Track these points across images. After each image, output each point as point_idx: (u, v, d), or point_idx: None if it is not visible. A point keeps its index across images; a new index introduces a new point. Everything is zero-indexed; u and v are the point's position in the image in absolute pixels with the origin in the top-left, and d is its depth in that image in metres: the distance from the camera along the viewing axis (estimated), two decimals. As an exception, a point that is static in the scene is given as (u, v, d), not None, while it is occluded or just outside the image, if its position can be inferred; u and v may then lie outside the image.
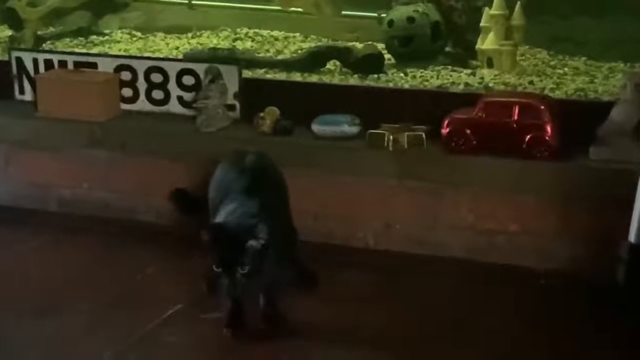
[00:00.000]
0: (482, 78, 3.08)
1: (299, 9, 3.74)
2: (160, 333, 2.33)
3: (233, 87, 3.05)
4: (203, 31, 3.81)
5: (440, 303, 2.47)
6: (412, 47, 3.19)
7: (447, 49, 3.32)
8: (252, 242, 2.02)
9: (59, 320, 2.38)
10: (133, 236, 2.89)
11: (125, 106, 3.18)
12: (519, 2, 3.15)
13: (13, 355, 2.19)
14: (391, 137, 2.76)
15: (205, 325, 2.35)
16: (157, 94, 3.12)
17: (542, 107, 2.66)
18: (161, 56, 3.46)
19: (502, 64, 3.12)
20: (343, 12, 3.64)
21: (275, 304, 2.30)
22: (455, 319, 2.37)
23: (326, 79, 3.21)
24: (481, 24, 3.11)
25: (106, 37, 3.83)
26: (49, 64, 3.29)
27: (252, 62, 3.34)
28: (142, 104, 3.14)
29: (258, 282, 2.16)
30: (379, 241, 2.77)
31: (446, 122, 2.70)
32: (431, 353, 2.16)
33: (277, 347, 2.23)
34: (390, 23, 3.21)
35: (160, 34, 3.80)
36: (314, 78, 3.23)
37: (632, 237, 2.27)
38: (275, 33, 3.77)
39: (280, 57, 3.48)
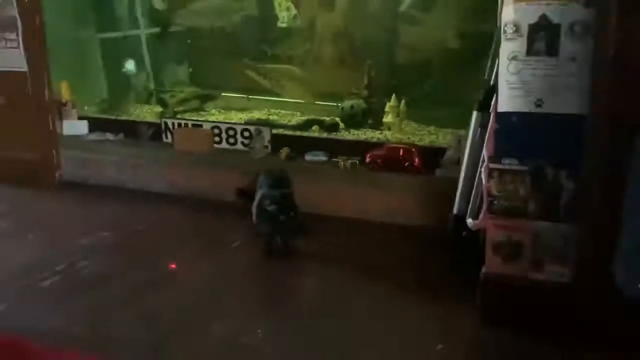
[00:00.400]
0: (385, 136, 3.65)
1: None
2: (232, 253, 2.88)
3: (267, 137, 3.64)
4: (254, 110, 4.28)
5: (363, 243, 2.98)
6: (353, 120, 3.77)
7: (369, 121, 3.78)
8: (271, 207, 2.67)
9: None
10: (219, 208, 3.33)
11: (216, 145, 3.78)
12: (402, 100, 3.65)
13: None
14: (342, 163, 3.38)
15: (254, 251, 2.84)
16: (231, 140, 3.75)
17: (413, 150, 3.30)
18: (233, 121, 3.94)
19: (394, 129, 3.66)
20: (320, 102, 4.14)
21: (287, 241, 2.79)
22: (370, 252, 2.91)
23: (312, 134, 3.77)
24: (385, 109, 3.71)
25: (207, 112, 4.30)
26: (179, 125, 3.87)
27: (276, 125, 3.84)
28: (224, 145, 3.78)
29: (277, 230, 2.75)
30: (337, 212, 3.23)
31: (368, 155, 3.34)
32: (361, 268, 2.70)
33: (288, 263, 2.77)
34: (342, 108, 3.80)
35: (233, 111, 4.30)
36: (305, 134, 3.79)
37: (455, 210, 2.65)
38: (287, 112, 4.24)
39: (289, 123, 3.99)
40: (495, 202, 2.14)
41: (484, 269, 2.21)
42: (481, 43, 3.14)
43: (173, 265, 2.72)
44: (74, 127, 4.08)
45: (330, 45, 4.12)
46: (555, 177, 2.05)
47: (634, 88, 1.78)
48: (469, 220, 2.40)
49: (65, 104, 4.07)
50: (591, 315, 1.99)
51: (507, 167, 2.09)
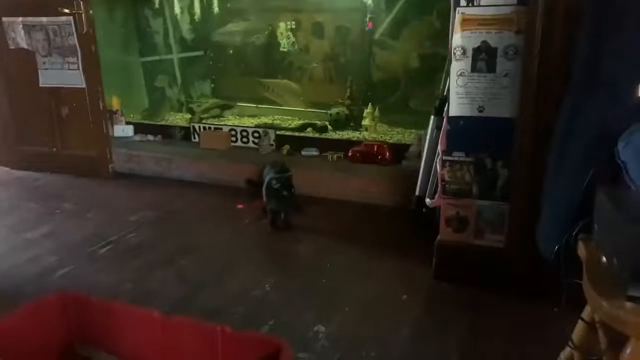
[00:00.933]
0: (363, 135, 3.60)
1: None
2: (245, 227, 2.89)
3: (272, 137, 3.63)
4: (261, 116, 4.22)
5: (346, 218, 2.98)
6: (338, 124, 3.75)
7: (351, 124, 3.75)
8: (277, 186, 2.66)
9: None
10: (235, 192, 3.29)
11: (233, 144, 3.75)
12: (376, 108, 3.64)
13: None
14: (330, 157, 3.37)
15: (261, 225, 2.85)
16: (244, 140, 3.74)
17: (385, 146, 3.26)
18: (246, 125, 3.91)
19: (370, 130, 3.61)
20: (312, 109, 4.09)
21: (287, 216, 2.79)
22: (352, 224, 2.92)
23: (307, 134, 3.74)
24: (363, 115, 3.62)
25: (225, 118, 4.25)
26: (204, 128, 3.85)
27: (279, 128, 3.82)
28: (238, 143, 3.76)
29: (280, 207, 2.74)
30: (325, 195, 3.22)
31: (350, 150, 3.33)
32: (345, 237, 2.71)
33: (288, 233, 2.77)
34: (330, 114, 3.76)
35: (245, 117, 4.25)
36: (302, 134, 3.73)
37: (417, 192, 2.65)
38: (287, 117, 4.16)
39: (290, 126, 3.92)
40: (447, 185, 2.15)
41: (438, 237, 2.22)
42: (436, 63, 3.24)
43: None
44: (123, 130, 4.08)
45: (321, 65, 4.10)
46: (493, 166, 2.08)
47: (551, 98, 1.77)
48: (427, 200, 2.41)
49: (115, 113, 4.08)
50: (520, 272, 2.02)
51: (456, 158, 2.11)
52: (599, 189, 1.13)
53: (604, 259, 1.08)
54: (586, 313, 1.24)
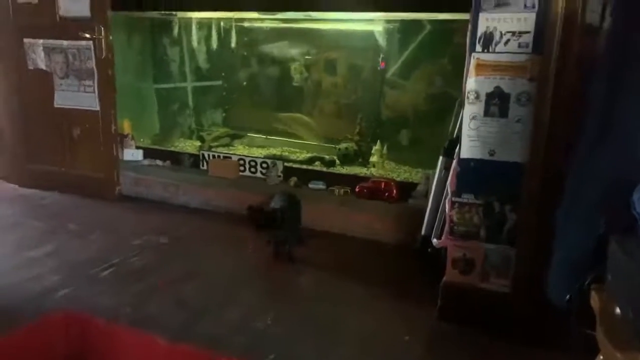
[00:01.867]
0: (371, 172, 3.59)
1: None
2: (249, 255, 2.87)
3: (280, 168, 3.63)
4: (270, 147, 4.19)
5: (349, 253, 2.95)
6: (346, 159, 3.74)
7: (359, 160, 3.70)
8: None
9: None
10: (241, 221, 3.06)
11: (241, 173, 3.75)
12: (385, 145, 3.62)
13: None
14: (337, 191, 3.36)
15: (265, 254, 2.81)
16: (252, 170, 3.72)
17: (392, 183, 3.25)
18: (254, 155, 3.89)
19: (378, 167, 3.60)
20: (321, 144, 4.06)
21: (291, 247, 2.78)
22: (355, 260, 2.88)
23: (315, 167, 3.71)
24: (372, 152, 3.63)
25: (235, 147, 4.23)
26: (213, 156, 3.86)
27: (287, 160, 3.80)
28: (247, 173, 3.75)
29: (283, 239, 2.74)
30: (330, 229, 3.18)
31: (358, 186, 3.30)
32: (347, 272, 2.68)
33: (290, 265, 2.73)
34: (339, 149, 3.76)
35: (254, 148, 4.23)
36: (310, 167, 3.72)
37: (423, 231, 2.64)
38: (296, 150, 4.11)
39: (298, 158, 3.89)
40: (455, 227, 2.15)
41: (444, 278, 2.20)
42: (446, 104, 3.24)
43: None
44: (132, 154, 4.10)
45: (332, 100, 4.12)
46: (501, 209, 2.08)
47: (561, 145, 1.80)
48: (434, 240, 2.39)
49: (126, 136, 4.11)
50: (525, 317, 2.01)
51: (465, 200, 2.11)
52: (612, 238, 1.13)
53: (618, 309, 1.06)
54: (598, 364, 1.20)
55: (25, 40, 3.79)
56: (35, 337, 1.37)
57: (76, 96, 3.75)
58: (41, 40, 3.74)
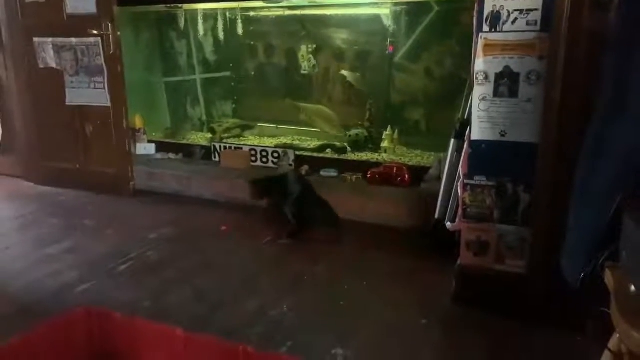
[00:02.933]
0: (382, 157, 3.61)
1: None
2: (263, 246, 2.85)
3: (291, 157, 3.66)
4: (281, 137, 4.21)
5: (363, 240, 2.94)
6: (357, 145, 3.76)
7: (370, 146, 3.78)
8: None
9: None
10: (254, 211, 3.24)
11: (253, 163, 3.77)
12: (396, 130, 3.65)
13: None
14: (348, 178, 3.39)
15: (281, 244, 2.84)
16: (264, 160, 3.76)
17: (404, 168, 3.27)
18: (265, 145, 3.91)
19: (389, 152, 3.63)
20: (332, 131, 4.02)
21: (291, 223, 2.85)
22: (369, 246, 2.88)
23: (326, 155, 3.75)
24: (382, 137, 3.66)
25: (246, 138, 4.26)
26: (224, 147, 3.90)
27: (298, 148, 3.81)
28: (258, 163, 3.79)
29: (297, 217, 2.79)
30: (343, 215, 3.06)
31: (369, 172, 3.32)
32: (362, 258, 2.71)
33: (305, 253, 2.78)
34: (349, 136, 3.78)
35: (265, 137, 4.26)
36: (321, 155, 3.75)
37: (436, 215, 2.64)
38: (307, 138, 4.15)
39: (309, 147, 3.92)
40: (468, 209, 2.13)
41: (458, 261, 2.19)
42: (456, 86, 3.23)
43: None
44: (145, 148, 4.14)
45: (341, 87, 4.12)
46: (514, 190, 2.06)
47: (573, 123, 1.77)
48: (448, 224, 2.40)
49: (138, 131, 4.14)
50: (541, 298, 1.98)
51: (477, 182, 2.09)
52: (626, 215, 1.11)
53: (633, 287, 1.05)
54: (613, 343, 1.20)
55: (35, 39, 3.82)
56: (57, 333, 1.40)
57: (87, 93, 3.78)
58: (50, 39, 3.78)
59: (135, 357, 1.41)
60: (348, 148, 3.77)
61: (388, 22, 3.77)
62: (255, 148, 3.80)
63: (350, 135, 3.78)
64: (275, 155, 3.70)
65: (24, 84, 3.91)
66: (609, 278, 1.16)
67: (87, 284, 2.36)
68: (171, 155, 4.03)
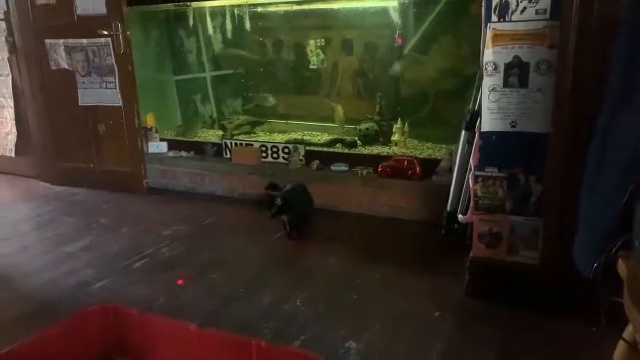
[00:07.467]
0: (393, 150, 3.55)
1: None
2: (275, 241, 2.88)
3: (302, 153, 3.63)
4: (292, 132, 4.18)
5: (375, 233, 2.99)
6: (367, 139, 3.68)
7: (381, 140, 3.70)
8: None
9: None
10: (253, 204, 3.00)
11: (264, 160, 3.74)
12: (406, 123, 3.56)
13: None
14: (359, 172, 3.33)
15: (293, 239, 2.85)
16: (275, 155, 3.73)
17: (415, 161, 3.20)
18: (276, 141, 3.88)
19: (400, 145, 3.55)
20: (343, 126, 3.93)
21: (291, 230, 2.85)
22: (381, 239, 2.90)
23: (337, 150, 3.68)
24: (394, 130, 3.61)
25: (256, 135, 4.21)
26: (236, 144, 3.85)
27: (309, 144, 3.78)
28: (269, 159, 3.75)
29: (293, 220, 2.80)
30: (355, 209, 3.26)
31: (380, 166, 3.27)
32: (375, 252, 2.71)
33: (317, 247, 2.81)
34: (360, 130, 3.71)
35: (275, 134, 4.22)
36: (331, 150, 3.68)
37: (448, 208, 2.63)
38: (317, 133, 4.12)
39: (319, 142, 3.87)
40: (480, 201, 2.12)
41: (471, 254, 2.18)
42: (466, 78, 3.24)
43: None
44: (157, 147, 4.14)
45: (350, 81, 4.08)
46: (526, 181, 2.04)
47: (585, 113, 1.74)
48: (460, 216, 2.39)
49: (150, 130, 4.15)
50: (555, 289, 1.98)
51: (489, 174, 2.08)
52: (639, 205, 1.10)
53: (647, 276, 1.04)
54: (628, 333, 1.19)
55: (47, 41, 3.87)
56: (75, 329, 1.42)
57: (99, 93, 3.82)
58: (62, 40, 3.82)
59: (151, 352, 1.43)
60: (359, 142, 3.74)
61: (396, 14, 3.76)
62: (266, 144, 3.80)
63: (360, 130, 3.74)
64: (286, 151, 3.70)
65: (37, 85, 3.98)
66: (622, 268, 1.14)
67: (104, 281, 2.40)
68: (183, 153, 4.01)
